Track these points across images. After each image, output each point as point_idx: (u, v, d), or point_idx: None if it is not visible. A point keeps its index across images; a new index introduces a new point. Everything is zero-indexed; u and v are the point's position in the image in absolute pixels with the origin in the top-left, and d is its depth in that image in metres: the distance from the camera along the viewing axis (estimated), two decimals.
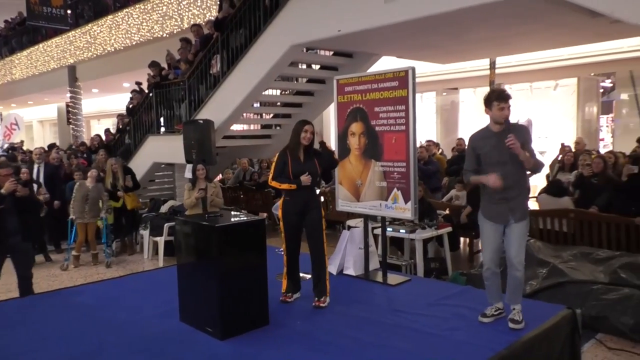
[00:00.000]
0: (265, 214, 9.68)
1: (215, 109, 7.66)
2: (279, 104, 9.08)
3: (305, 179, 3.91)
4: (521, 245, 3.42)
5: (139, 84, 9.97)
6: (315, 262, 4.04)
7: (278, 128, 9.02)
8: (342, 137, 4.73)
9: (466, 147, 3.63)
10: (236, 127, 9.00)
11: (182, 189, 8.64)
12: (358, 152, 4.62)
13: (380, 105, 4.41)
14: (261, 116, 9.30)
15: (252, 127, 9.62)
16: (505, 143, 3.35)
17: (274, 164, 3.98)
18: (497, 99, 3.40)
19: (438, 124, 13.43)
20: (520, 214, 3.43)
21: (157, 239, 6.92)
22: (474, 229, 6.54)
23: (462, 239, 6.99)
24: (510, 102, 3.41)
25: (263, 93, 7.84)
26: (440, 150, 9.99)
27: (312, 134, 3.97)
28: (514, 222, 3.42)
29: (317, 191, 4.10)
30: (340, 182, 4.81)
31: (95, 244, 6.87)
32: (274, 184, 3.95)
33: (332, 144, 10.84)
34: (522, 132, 3.43)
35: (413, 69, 4.24)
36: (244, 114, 8.28)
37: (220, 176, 11.09)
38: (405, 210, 4.34)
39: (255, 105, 8.31)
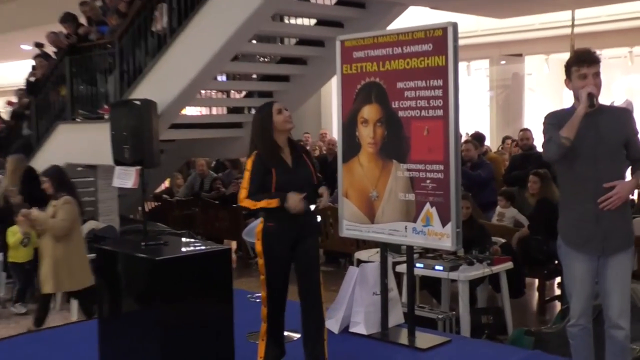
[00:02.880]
0: (233, 243, 9.63)
1: (160, 84, 7.66)
2: (254, 76, 9.08)
3: (296, 200, 3.77)
4: (624, 290, 3.44)
5: (39, 46, 9.97)
6: (309, 314, 4.03)
7: (253, 112, 9.02)
8: (349, 126, 4.72)
9: (544, 127, 3.54)
10: (191, 112, 8.99)
11: (108, 204, 8.65)
12: (373, 149, 4.61)
13: (406, 79, 4.41)
14: (228, 95, 9.31)
15: (214, 111, 9.60)
16: (600, 129, 3.36)
17: (248, 173, 3.95)
18: (577, 62, 3.42)
19: (493, 107, 13.48)
20: (620, 239, 3.45)
21: None
22: (547, 264, 6.56)
23: (528, 279, 6.96)
24: (599, 67, 3.42)
25: (231, 61, 7.85)
26: (502, 145, 9.97)
27: (289, 115, 3.98)
28: (611, 252, 3.44)
29: (313, 208, 4.09)
30: (345, 194, 4.79)
31: None
32: (247, 203, 3.89)
33: (335, 134, 10.75)
34: (622, 120, 3.43)
35: (455, 26, 4.24)
36: (202, 92, 8.26)
37: (165, 184, 11.03)
38: (442, 236, 4.33)
39: (219, 78, 8.30)
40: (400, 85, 4.43)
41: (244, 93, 9.31)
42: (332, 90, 13.35)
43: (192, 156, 10.24)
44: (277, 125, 3.97)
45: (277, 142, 3.98)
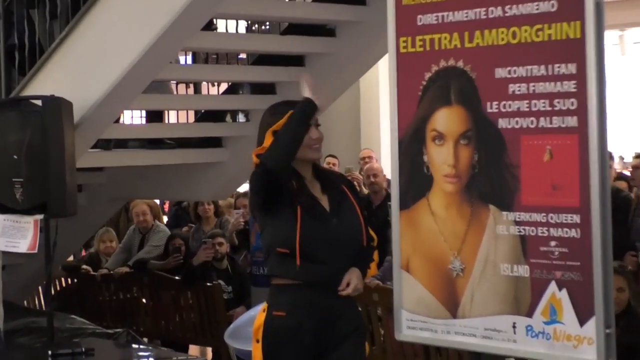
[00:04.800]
0: (208, 351, 9.63)
1: (77, 71, 7.79)
2: (243, 56, 9.15)
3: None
4: None
5: None
6: None
7: (243, 119, 9.21)
8: (411, 145, 4.81)
9: None
10: (130, 119, 9.03)
11: None
12: (454, 185, 4.67)
13: (512, 62, 4.48)
14: (197, 89, 9.38)
15: (174, 117, 9.68)
16: None
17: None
18: None
19: None
20: None
21: None
22: None
23: None
24: None
25: (202, 30, 7.94)
26: None
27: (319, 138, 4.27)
28: None
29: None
30: (405, 265, 4.84)
31: None
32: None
33: (385, 159, 10.82)
34: None
35: None
36: (152, 83, 8.30)
37: (85, 250, 11.11)
38: (581, 341, 4.32)
39: (183, 62, 8.36)
40: (501, 73, 4.50)
41: (225, 86, 9.36)
42: (379, 83, 13.43)
43: (135, 197, 10.32)
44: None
45: (298, 172, 4.23)
